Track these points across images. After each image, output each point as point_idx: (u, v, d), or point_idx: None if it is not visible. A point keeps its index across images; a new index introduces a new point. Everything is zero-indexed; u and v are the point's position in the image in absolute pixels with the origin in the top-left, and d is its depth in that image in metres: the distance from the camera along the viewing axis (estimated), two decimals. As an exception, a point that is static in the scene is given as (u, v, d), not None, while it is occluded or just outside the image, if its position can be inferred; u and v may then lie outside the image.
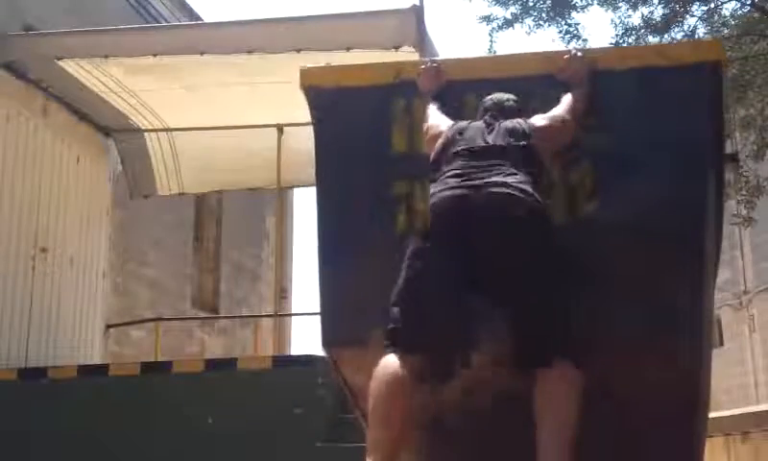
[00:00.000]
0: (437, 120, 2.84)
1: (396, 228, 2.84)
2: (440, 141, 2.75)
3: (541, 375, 2.41)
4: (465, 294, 2.49)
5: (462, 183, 2.56)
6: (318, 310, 2.93)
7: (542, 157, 2.69)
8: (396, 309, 2.56)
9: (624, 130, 2.77)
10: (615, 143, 2.76)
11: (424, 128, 2.85)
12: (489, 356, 2.56)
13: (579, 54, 2.89)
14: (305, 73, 3.07)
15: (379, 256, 2.79)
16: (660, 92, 2.78)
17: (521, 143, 2.66)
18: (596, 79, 2.80)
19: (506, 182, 2.53)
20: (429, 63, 3.00)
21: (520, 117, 2.76)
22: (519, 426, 2.51)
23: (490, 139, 2.68)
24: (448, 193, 2.56)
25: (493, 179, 2.55)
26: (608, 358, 2.56)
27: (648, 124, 2.77)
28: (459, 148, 2.68)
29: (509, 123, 2.72)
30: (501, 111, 2.78)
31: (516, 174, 2.57)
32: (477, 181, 2.55)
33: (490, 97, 2.84)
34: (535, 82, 2.88)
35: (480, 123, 2.76)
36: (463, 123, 2.78)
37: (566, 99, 2.77)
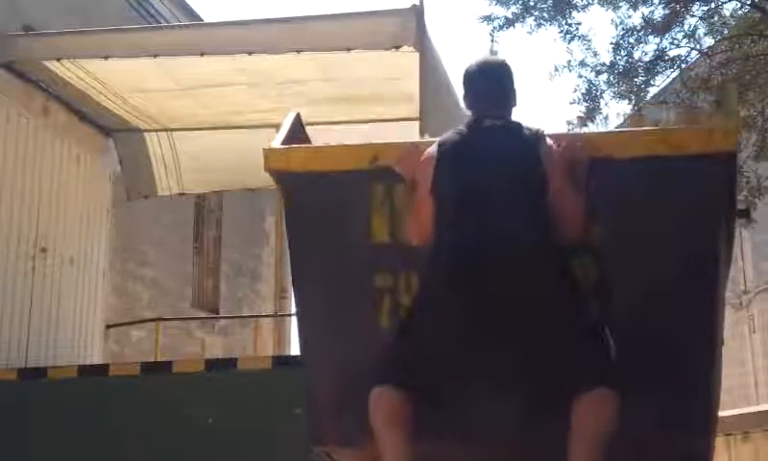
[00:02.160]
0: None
1: (380, 323, 2.64)
2: (431, 169, 2.56)
3: (579, 401, 2.35)
4: (482, 345, 2.39)
5: (476, 232, 2.44)
6: (306, 402, 2.79)
7: (552, 179, 2.53)
8: (398, 344, 2.49)
9: (625, 223, 2.60)
10: (617, 237, 2.59)
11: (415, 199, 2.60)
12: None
13: (578, 142, 2.68)
14: (269, 155, 2.74)
15: (363, 352, 2.59)
16: (666, 183, 2.58)
17: (533, 172, 2.52)
18: (596, 167, 2.58)
19: (520, 230, 2.43)
20: (411, 147, 2.73)
21: (521, 120, 2.64)
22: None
23: (497, 166, 2.53)
24: (463, 250, 2.44)
25: (508, 223, 2.44)
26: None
27: (653, 218, 2.59)
28: (464, 181, 2.52)
29: (515, 143, 2.57)
30: (503, 119, 2.63)
31: (528, 210, 2.47)
32: (492, 228, 2.44)
33: (483, 100, 2.64)
34: None
35: (482, 140, 2.59)
36: (456, 144, 2.58)
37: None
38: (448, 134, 2.67)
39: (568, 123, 8.86)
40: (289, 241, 2.78)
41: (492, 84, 2.69)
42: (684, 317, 2.57)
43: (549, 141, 2.60)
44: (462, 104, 2.78)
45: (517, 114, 2.73)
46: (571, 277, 2.53)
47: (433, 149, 2.64)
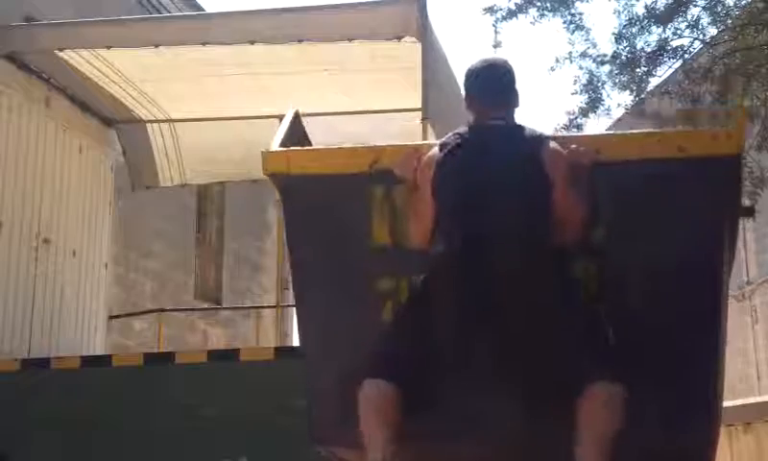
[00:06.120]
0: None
1: (382, 327, 2.61)
2: (431, 173, 2.55)
3: (584, 396, 2.34)
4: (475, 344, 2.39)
5: (477, 232, 2.43)
6: (306, 403, 2.78)
7: (554, 182, 2.51)
8: (394, 339, 2.48)
9: (629, 225, 2.59)
10: (620, 238, 2.58)
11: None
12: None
13: (582, 146, 2.65)
14: (268, 158, 2.73)
15: (366, 356, 2.55)
16: (670, 185, 2.57)
17: (535, 174, 2.50)
18: (600, 169, 2.56)
19: (515, 228, 2.43)
20: (411, 150, 2.71)
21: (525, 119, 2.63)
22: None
23: (499, 167, 2.51)
24: (464, 249, 2.43)
25: (509, 224, 2.43)
26: None
27: (656, 220, 2.58)
28: (466, 182, 2.51)
29: (517, 144, 2.55)
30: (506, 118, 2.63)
31: (530, 211, 2.47)
32: (493, 228, 2.43)
33: (485, 95, 2.62)
34: None
35: (484, 141, 2.57)
36: (458, 146, 2.56)
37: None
38: (450, 136, 2.66)
39: (568, 113, 8.82)
40: (288, 245, 2.77)
41: (493, 84, 2.67)
42: (688, 320, 2.56)
43: (552, 145, 2.58)
44: (464, 95, 2.77)
45: (520, 114, 2.73)
46: (572, 276, 2.53)
47: (435, 150, 2.64)
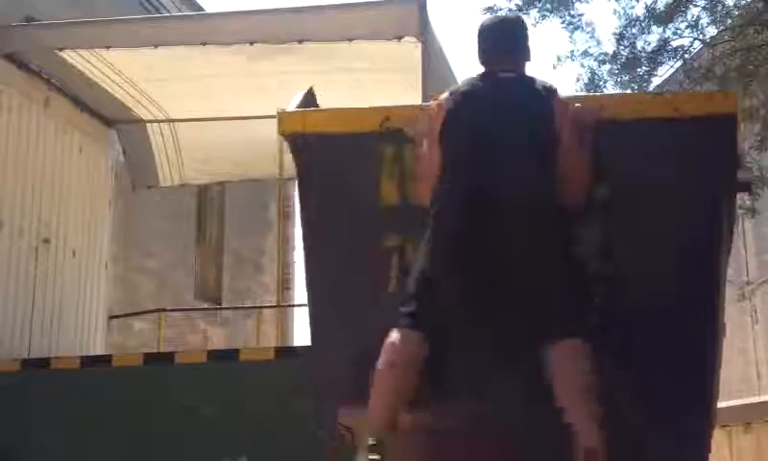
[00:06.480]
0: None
1: (389, 287, 2.68)
2: (440, 118, 2.60)
3: (555, 348, 2.41)
4: (482, 290, 2.44)
5: (477, 183, 2.47)
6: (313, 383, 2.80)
7: (561, 134, 2.55)
8: (413, 289, 2.51)
9: (631, 183, 2.64)
10: (621, 197, 2.64)
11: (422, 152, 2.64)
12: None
13: (583, 104, 2.73)
14: (283, 119, 2.87)
15: (374, 321, 2.60)
16: (669, 144, 2.64)
17: (544, 124, 2.55)
18: (602, 128, 2.64)
19: (520, 180, 2.46)
20: (419, 109, 2.78)
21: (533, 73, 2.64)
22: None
23: (504, 119, 2.55)
24: (464, 197, 2.47)
25: (508, 175, 2.46)
26: None
27: (656, 177, 2.63)
28: (475, 127, 2.55)
29: (528, 94, 2.59)
30: (514, 66, 2.66)
31: (537, 159, 2.49)
32: (492, 180, 2.46)
33: (494, 46, 2.66)
34: None
35: (495, 89, 2.60)
36: (469, 93, 2.60)
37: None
38: (460, 83, 2.71)
39: None
40: (300, 203, 2.84)
41: (505, 37, 2.72)
42: (685, 280, 2.61)
43: (562, 96, 2.64)
44: (477, 51, 2.79)
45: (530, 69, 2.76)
46: (570, 232, 2.57)
47: (444, 96, 2.69)
